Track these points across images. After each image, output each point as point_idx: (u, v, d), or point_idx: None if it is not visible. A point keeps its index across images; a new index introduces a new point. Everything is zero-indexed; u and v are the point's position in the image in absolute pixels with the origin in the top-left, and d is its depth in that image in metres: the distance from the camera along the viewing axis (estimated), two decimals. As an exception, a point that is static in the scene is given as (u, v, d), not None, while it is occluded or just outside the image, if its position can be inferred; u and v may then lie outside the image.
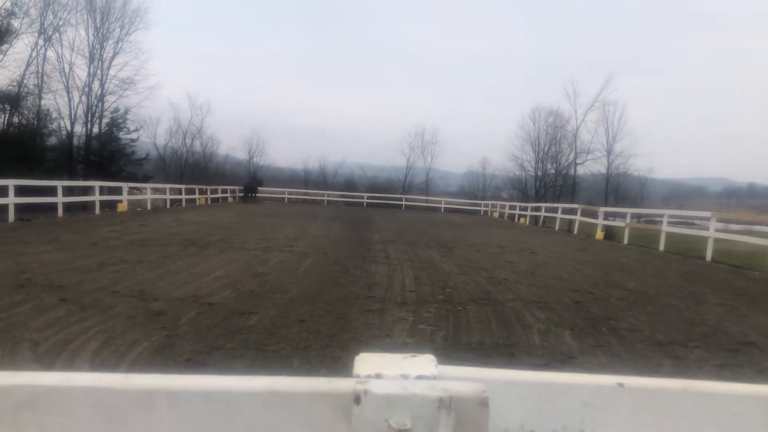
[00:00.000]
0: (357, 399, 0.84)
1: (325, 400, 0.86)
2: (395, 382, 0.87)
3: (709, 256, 16.23)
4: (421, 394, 0.84)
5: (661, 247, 18.85)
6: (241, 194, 45.52)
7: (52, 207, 20.61)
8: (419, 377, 0.89)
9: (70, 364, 4.63)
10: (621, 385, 0.96)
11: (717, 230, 17.49)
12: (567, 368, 5.12)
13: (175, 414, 0.85)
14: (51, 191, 21.02)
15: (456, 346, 5.66)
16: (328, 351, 5.30)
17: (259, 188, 47.18)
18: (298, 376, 0.90)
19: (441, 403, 0.84)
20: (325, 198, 52.41)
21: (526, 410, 0.95)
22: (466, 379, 0.89)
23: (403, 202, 51.94)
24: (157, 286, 7.85)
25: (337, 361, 5.00)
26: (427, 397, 0.84)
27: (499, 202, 47.98)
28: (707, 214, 18.75)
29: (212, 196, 40.44)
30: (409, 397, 0.84)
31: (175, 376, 0.89)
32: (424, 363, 0.94)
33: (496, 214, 43.45)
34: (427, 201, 54.55)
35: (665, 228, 19.52)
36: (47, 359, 4.67)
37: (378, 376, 0.89)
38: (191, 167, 63.86)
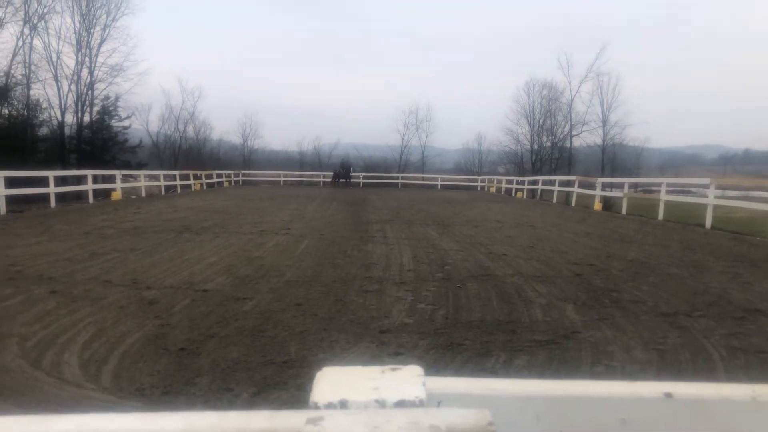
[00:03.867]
0: None
1: None
2: (363, 417, 0.59)
3: (708, 223, 16.08)
4: None
5: (660, 216, 18.68)
6: (328, 180, 49.55)
7: (45, 198, 20.39)
8: (399, 403, 0.64)
9: (59, 358, 4.48)
10: (669, 395, 0.72)
11: (716, 197, 17.34)
12: (570, 343, 4.98)
13: None
14: (43, 182, 20.75)
15: (456, 325, 5.53)
16: (325, 335, 5.15)
17: (351, 174, 50.42)
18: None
19: None
20: (321, 179, 52.07)
21: None
22: (465, 397, 0.65)
23: (400, 181, 51.74)
24: (151, 274, 7.70)
25: (335, 345, 4.85)
26: None
27: (495, 177, 47.82)
28: (706, 180, 18.61)
29: (207, 181, 40.21)
30: None
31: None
32: (408, 379, 0.69)
33: (493, 189, 43.23)
34: (423, 179, 54.20)
35: (663, 197, 19.33)
36: (35, 355, 4.52)
37: (342, 405, 0.65)
38: (185, 153, 63.40)
